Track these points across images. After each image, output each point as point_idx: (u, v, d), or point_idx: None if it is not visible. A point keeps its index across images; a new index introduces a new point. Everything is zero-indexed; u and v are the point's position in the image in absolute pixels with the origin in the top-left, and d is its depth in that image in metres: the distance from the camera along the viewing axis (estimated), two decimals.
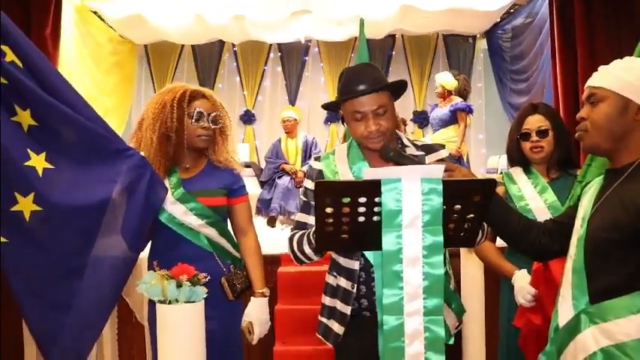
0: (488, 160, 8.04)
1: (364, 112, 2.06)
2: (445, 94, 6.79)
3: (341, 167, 2.20)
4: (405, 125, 6.84)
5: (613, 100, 1.69)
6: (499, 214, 1.93)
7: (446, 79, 6.81)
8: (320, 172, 2.23)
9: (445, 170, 1.82)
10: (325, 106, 2.25)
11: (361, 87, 2.04)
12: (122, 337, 4.35)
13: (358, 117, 2.08)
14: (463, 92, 6.92)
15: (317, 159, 2.29)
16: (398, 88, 2.16)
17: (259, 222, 6.43)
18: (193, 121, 2.45)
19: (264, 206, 6.78)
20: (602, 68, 1.75)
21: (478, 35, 8.77)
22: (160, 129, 2.43)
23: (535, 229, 1.93)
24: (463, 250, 3.84)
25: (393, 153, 1.98)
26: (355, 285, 2.14)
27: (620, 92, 1.68)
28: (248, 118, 9.08)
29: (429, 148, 2.21)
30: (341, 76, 2.17)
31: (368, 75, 2.08)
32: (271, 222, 6.68)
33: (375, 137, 2.07)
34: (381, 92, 2.07)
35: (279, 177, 6.90)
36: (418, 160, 2.00)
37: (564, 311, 1.71)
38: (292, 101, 8.95)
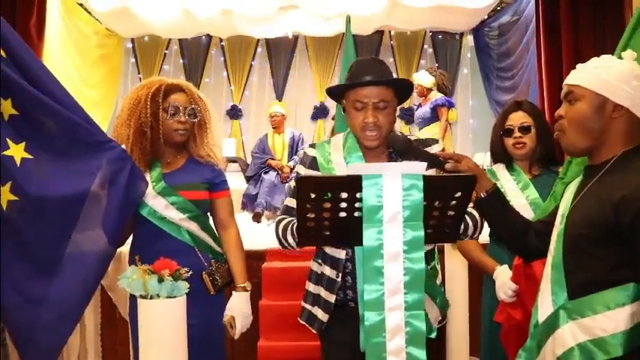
0: (474, 157, 8.06)
1: (365, 103, 2.09)
2: (425, 92, 6.76)
3: (335, 157, 2.22)
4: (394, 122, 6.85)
5: (590, 99, 1.70)
6: (501, 213, 1.96)
7: (422, 77, 6.77)
8: (314, 159, 2.24)
9: (452, 159, 1.86)
10: (329, 91, 2.26)
11: (368, 77, 2.08)
12: (105, 333, 4.33)
13: (359, 106, 2.10)
14: (442, 87, 6.88)
15: (312, 146, 2.31)
16: (403, 89, 2.19)
17: (245, 217, 6.43)
18: (169, 115, 2.43)
19: (249, 201, 6.77)
20: (579, 66, 1.77)
21: (465, 32, 8.80)
22: (135, 125, 2.42)
23: (529, 230, 1.96)
24: (447, 247, 3.86)
25: (402, 143, 2.02)
26: (340, 274, 2.15)
27: (597, 90, 1.69)
28: (235, 112, 9.08)
29: (422, 143, 2.21)
30: (351, 66, 2.20)
31: (377, 68, 2.13)
32: (257, 217, 6.67)
33: (370, 130, 2.09)
34: (385, 88, 2.10)
35: (266, 172, 6.88)
36: (425, 152, 2.01)
37: (544, 307, 1.72)
38: (279, 96, 8.95)
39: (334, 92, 2.24)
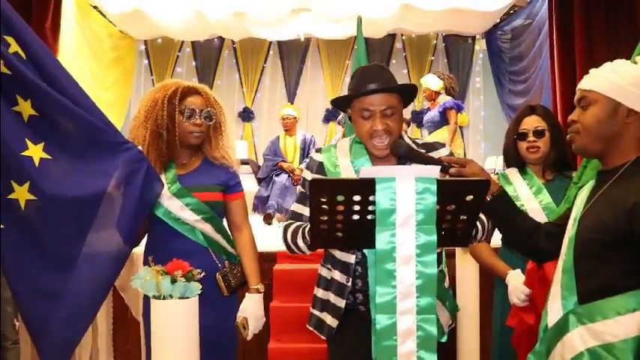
0: (486, 161, 8.04)
1: (372, 111, 2.08)
2: (433, 96, 6.73)
3: (342, 161, 2.22)
4: (408, 126, 6.85)
5: (603, 104, 1.70)
6: (507, 215, 1.96)
7: (430, 81, 6.74)
8: (321, 164, 2.24)
9: (457, 164, 1.86)
10: (334, 102, 2.26)
11: (372, 86, 2.07)
12: (117, 333, 4.36)
13: (366, 115, 2.09)
14: (450, 90, 6.83)
15: (318, 151, 2.31)
16: (408, 93, 2.19)
17: (256, 219, 6.43)
18: (185, 118, 2.46)
19: (261, 203, 6.78)
20: (593, 71, 1.77)
21: (478, 36, 8.78)
22: (151, 126, 2.44)
23: (537, 232, 1.96)
24: (458, 250, 3.85)
25: (405, 149, 2.02)
26: (350, 279, 2.15)
27: (610, 95, 1.69)
28: (247, 115, 9.09)
29: (430, 147, 2.22)
30: (354, 74, 2.19)
31: (380, 75, 2.12)
32: (268, 219, 6.68)
33: (380, 137, 2.09)
34: (391, 94, 2.10)
35: (277, 175, 6.90)
36: (429, 158, 2.01)
37: (553, 311, 1.72)
38: (291, 99, 8.96)
39: (339, 102, 2.24)
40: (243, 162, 7.62)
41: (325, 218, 1.67)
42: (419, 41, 8.90)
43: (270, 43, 8.95)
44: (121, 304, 4.27)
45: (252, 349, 4.09)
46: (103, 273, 2.33)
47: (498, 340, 2.74)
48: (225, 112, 2.61)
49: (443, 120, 6.65)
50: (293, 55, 9.07)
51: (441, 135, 6.63)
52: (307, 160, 2.35)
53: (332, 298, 2.20)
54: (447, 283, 2.34)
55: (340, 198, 1.63)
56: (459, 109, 6.77)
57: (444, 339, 2.20)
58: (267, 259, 4.34)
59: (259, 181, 7.10)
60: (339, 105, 2.26)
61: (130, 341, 4.30)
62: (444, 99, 6.70)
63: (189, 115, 2.46)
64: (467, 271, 3.82)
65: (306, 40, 8.81)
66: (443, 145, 2.25)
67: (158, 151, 2.46)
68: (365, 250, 2.06)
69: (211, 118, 2.51)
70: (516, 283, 2.46)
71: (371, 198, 1.63)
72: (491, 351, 2.86)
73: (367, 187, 1.62)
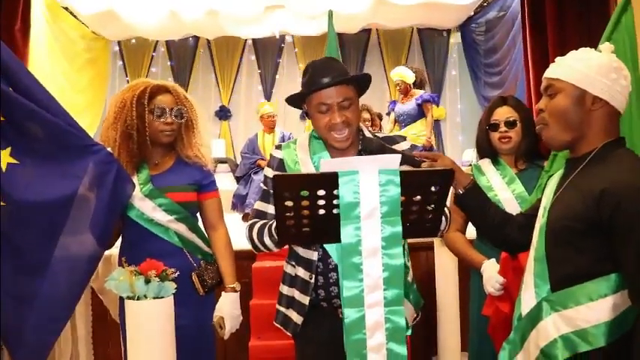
0: (463, 153, 8.09)
1: (329, 105, 2.07)
2: (408, 89, 6.74)
3: (302, 156, 2.21)
4: (381, 120, 6.86)
5: (569, 92, 1.71)
6: (479, 208, 1.98)
7: (406, 73, 6.74)
8: (281, 160, 2.23)
9: (428, 159, 1.87)
10: (289, 100, 2.23)
11: (326, 79, 2.06)
12: (97, 336, 4.33)
13: (323, 109, 2.08)
14: (420, 83, 6.88)
15: (278, 147, 2.29)
16: (363, 82, 2.18)
17: (235, 217, 6.42)
18: (155, 117, 2.44)
19: (239, 202, 6.77)
20: (558, 59, 1.78)
21: (452, 29, 8.82)
22: (121, 127, 2.43)
23: (509, 223, 1.97)
24: (437, 241, 3.88)
25: (376, 145, 2.03)
26: (313, 275, 2.15)
27: (576, 83, 1.70)
28: (224, 113, 9.06)
29: (390, 140, 2.21)
30: (306, 70, 2.17)
31: (333, 68, 2.10)
32: (247, 218, 6.66)
33: (340, 130, 2.08)
34: (346, 85, 2.09)
35: (255, 172, 6.87)
36: (402, 154, 2.00)
37: (527, 299, 1.73)
38: (268, 96, 8.95)
39: (295, 99, 2.21)
40: (221, 161, 7.60)
41: (291, 214, 1.66)
42: (394, 35, 8.92)
43: (246, 41, 8.93)
44: (101, 306, 4.24)
45: (233, 347, 4.08)
46: (76, 275, 2.31)
47: (475, 330, 2.76)
48: (197, 110, 2.60)
49: (420, 113, 6.67)
50: (269, 52, 9.06)
51: (417, 128, 6.67)
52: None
53: (297, 294, 2.20)
54: (410, 277, 2.34)
55: (304, 193, 1.62)
56: (436, 102, 6.80)
57: (409, 332, 2.21)
58: (246, 257, 4.32)
59: (237, 179, 7.08)
60: (295, 102, 2.23)
61: (111, 343, 4.27)
62: (418, 92, 6.73)
63: (160, 114, 2.45)
64: (446, 263, 3.85)
65: (281, 37, 8.80)
66: (404, 139, 2.25)
67: (129, 152, 2.44)
68: (326, 246, 2.07)
69: (182, 115, 2.50)
70: (491, 272, 2.47)
71: (335, 192, 1.63)
72: (468, 341, 2.88)
73: (331, 180, 1.62)
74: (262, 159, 6.94)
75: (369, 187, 1.62)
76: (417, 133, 6.57)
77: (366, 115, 7.01)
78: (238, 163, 7.38)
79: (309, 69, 2.15)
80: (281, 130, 7.27)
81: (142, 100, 2.43)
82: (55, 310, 2.29)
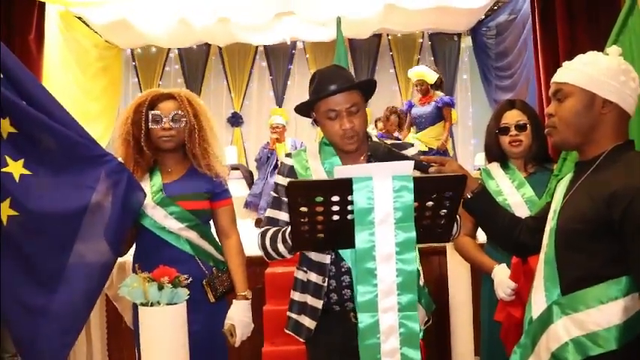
0: (475, 157, 8.08)
1: (338, 111, 2.10)
2: (428, 89, 6.56)
3: (313, 163, 2.23)
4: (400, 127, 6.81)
5: (579, 96, 1.71)
6: (488, 212, 1.98)
7: (427, 72, 6.57)
8: (292, 168, 2.25)
9: (436, 163, 1.88)
10: (298, 109, 2.26)
11: (333, 86, 2.09)
12: (112, 342, 4.36)
13: (332, 115, 2.11)
14: (440, 85, 6.71)
15: (288, 155, 2.31)
16: (368, 88, 2.21)
17: (247, 223, 6.43)
18: (152, 123, 2.48)
19: (254, 200, 6.78)
20: (566, 64, 1.78)
21: (463, 33, 8.82)
22: (123, 136, 2.49)
23: (518, 227, 1.97)
24: (449, 247, 3.87)
25: (383, 150, 2.04)
26: (326, 279, 2.16)
27: (585, 87, 1.70)
28: (236, 120, 9.10)
29: (399, 146, 2.22)
30: (312, 79, 2.20)
31: (339, 75, 2.14)
32: (259, 223, 6.68)
33: (349, 136, 2.10)
34: (353, 92, 2.11)
35: (272, 173, 6.84)
36: (409, 159, 2.00)
37: (537, 303, 1.73)
38: (279, 103, 8.98)
39: (303, 108, 2.23)
40: (233, 167, 7.62)
41: (305, 220, 1.68)
42: (405, 40, 8.94)
43: (257, 47, 8.96)
44: (115, 313, 4.27)
45: (246, 353, 4.09)
46: (90, 283, 2.34)
47: (487, 335, 2.75)
48: (208, 117, 2.60)
49: (438, 116, 6.51)
50: (280, 58, 9.11)
51: (435, 131, 6.53)
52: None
53: (309, 299, 2.20)
54: (421, 281, 2.35)
55: (319, 199, 1.64)
56: (454, 106, 6.69)
57: (420, 335, 2.21)
58: (259, 263, 4.33)
59: (251, 177, 7.11)
60: (303, 111, 2.25)
61: (125, 351, 4.30)
62: (438, 94, 6.56)
63: (157, 120, 2.48)
64: (459, 266, 3.84)
65: (292, 43, 8.83)
66: (411, 145, 2.27)
67: (134, 161, 2.49)
68: (340, 250, 2.08)
69: (180, 120, 2.50)
70: (502, 277, 2.46)
71: (349, 198, 1.64)
72: (480, 346, 2.87)
73: (345, 187, 1.63)
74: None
75: (383, 193, 1.63)
76: (434, 137, 6.47)
77: (393, 118, 6.96)
78: (250, 169, 7.40)
79: (315, 77, 2.18)
80: (292, 139, 7.27)
81: (140, 109, 2.48)
82: (68, 320, 2.31)
